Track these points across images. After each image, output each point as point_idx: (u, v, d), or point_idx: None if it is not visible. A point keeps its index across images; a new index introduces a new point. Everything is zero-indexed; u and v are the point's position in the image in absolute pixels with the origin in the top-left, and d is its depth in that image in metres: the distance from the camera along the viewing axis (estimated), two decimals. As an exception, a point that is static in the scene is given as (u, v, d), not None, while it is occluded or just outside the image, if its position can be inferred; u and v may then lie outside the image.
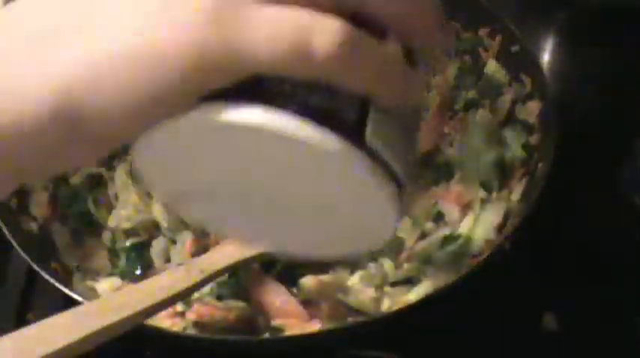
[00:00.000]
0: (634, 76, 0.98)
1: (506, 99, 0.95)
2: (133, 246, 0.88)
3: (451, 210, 0.89)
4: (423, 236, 0.88)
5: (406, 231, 0.89)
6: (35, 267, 0.78)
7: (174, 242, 0.88)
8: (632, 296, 0.86)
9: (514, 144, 0.91)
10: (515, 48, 0.95)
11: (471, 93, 0.98)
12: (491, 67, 0.98)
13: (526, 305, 0.85)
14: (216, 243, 0.86)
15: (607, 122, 0.96)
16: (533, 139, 0.90)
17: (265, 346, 0.78)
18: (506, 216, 0.86)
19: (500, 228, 0.85)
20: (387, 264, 0.87)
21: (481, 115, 0.96)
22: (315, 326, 0.80)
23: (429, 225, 0.89)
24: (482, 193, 0.89)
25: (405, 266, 0.86)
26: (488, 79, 0.98)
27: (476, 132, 0.94)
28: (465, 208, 0.89)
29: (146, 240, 0.89)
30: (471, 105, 0.97)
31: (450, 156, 0.94)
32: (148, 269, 0.88)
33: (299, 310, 0.82)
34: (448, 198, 0.90)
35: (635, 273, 0.87)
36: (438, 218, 0.90)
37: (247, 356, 0.78)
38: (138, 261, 0.88)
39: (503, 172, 0.90)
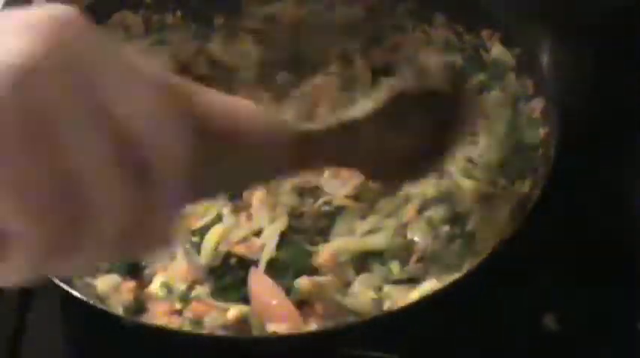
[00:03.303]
0: (634, 76, 0.99)
1: (513, 78, 0.96)
2: None
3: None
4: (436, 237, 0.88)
5: (420, 234, 0.89)
6: None
7: None
8: (632, 297, 0.86)
9: (531, 130, 0.91)
10: (516, 50, 0.96)
11: (481, 78, 0.98)
12: (497, 50, 0.98)
13: (526, 305, 0.85)
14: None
15: (607, 122, 0.96)
16: (540, 134, 0.89)
17: (262, 344, 0.78)
18: (512, 215, 0.86)
19: (505, 226, 0.85)
20: (395, 266, 0.87)
21: (494, 97, 0.96)
22: (309, 329, 0.80)
23: (445, 228, 0.89)
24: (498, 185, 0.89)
25: (412, 267, 0.86)
26: (495, 63, 0.98)
27: (496, 118, 0.94)
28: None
29: None
30: (481, 90, 0.98)
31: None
32: (144, 267, 0.88)
33: (293, 314, 0.82)
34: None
35: (635, 274, 0.87)
36: (456, 220, 0.89)
37: (244, 355, 0.78)
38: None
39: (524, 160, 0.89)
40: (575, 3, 1.03)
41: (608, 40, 1.00)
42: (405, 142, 0.76)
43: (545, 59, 1.01)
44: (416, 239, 0.88)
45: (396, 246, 0.88)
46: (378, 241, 0.89)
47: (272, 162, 0.57)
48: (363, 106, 0.85)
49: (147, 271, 0.87)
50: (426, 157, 0.79)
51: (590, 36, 1.01)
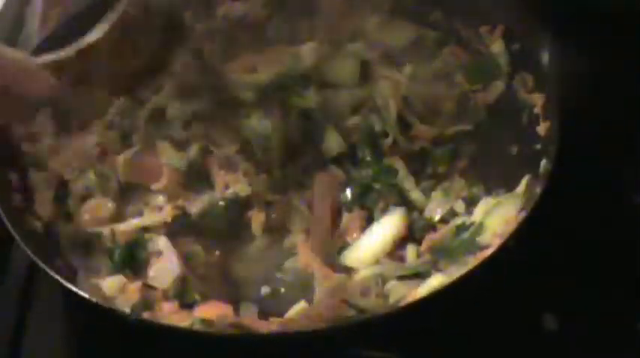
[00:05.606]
0: (633, 76, 0.99)
1: (499, 84, 0.96)
2: (128, 246, 0.89)
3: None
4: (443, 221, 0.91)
5: (437, 204, 0.92)
6: (44, 266, 0.78)
7: None
8: (632, 296, 0.86)
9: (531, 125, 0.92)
10: (515, 46, 0.96)
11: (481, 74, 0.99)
12: (497, 47, 0.98)
13: (526, 305, 0.85)
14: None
15: (607, 122, 0.96)
16: (541, 129, 0.90)
17: (263, 343, 0.78)
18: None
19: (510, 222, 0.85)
20: (411, 250, 0.88)
21: (494, 93, 0.97)
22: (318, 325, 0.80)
23: (459, 203, 0.91)
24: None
25: (420, 260, 0.87)
26: (490, 59, 0.98)
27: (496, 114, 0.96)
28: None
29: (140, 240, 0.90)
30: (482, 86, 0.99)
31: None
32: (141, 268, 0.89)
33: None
34: None
35: (634, 273, 0.87)
36: (470, 202, 0.91)
37: (246, 353, 0.78)
38: (131, 258, 0.89)
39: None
40: (576, 1, 1.02)
41: (608, 38, 1.00)
42: (133, 61, 0.90)
43: (545, 55, 1.01)
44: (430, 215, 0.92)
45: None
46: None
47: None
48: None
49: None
50: (150, 72, 0.94)
51: (590, 33, 1.01)
